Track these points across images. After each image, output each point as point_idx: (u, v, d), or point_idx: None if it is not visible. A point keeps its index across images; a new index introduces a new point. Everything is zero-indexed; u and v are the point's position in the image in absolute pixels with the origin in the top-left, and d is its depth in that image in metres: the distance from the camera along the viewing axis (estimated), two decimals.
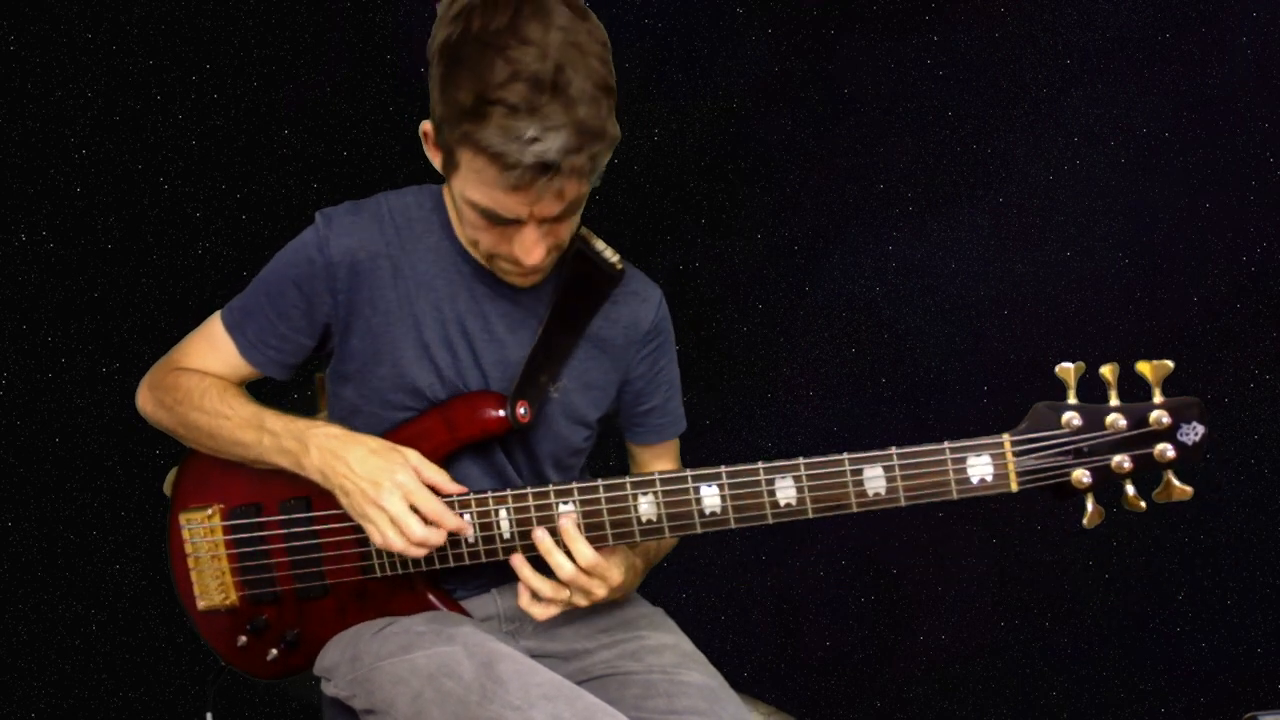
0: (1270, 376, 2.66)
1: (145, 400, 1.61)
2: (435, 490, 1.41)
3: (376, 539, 1.40)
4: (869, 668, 2.85)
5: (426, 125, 1.41)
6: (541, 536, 1.41)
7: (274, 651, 1.56)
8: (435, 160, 1.42)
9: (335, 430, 1.44)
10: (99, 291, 2.62)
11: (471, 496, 1.43)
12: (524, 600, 1.43)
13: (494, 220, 1.35)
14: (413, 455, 1.42)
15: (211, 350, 1.57)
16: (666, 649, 1.53)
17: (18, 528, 2.62)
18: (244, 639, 1.58)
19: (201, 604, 1.60)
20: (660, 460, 1.75)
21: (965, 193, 2.75)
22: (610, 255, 1.57)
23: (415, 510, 1.38)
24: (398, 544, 1.38)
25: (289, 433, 1.45)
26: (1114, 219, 2.69)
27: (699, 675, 1.49)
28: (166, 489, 1.67)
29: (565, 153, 1.25)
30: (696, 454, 1.80)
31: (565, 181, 1.29)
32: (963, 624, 2.82)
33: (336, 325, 1.52)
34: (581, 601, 1.43)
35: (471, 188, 1.33)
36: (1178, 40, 2.63)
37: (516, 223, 1.35)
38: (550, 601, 1.42)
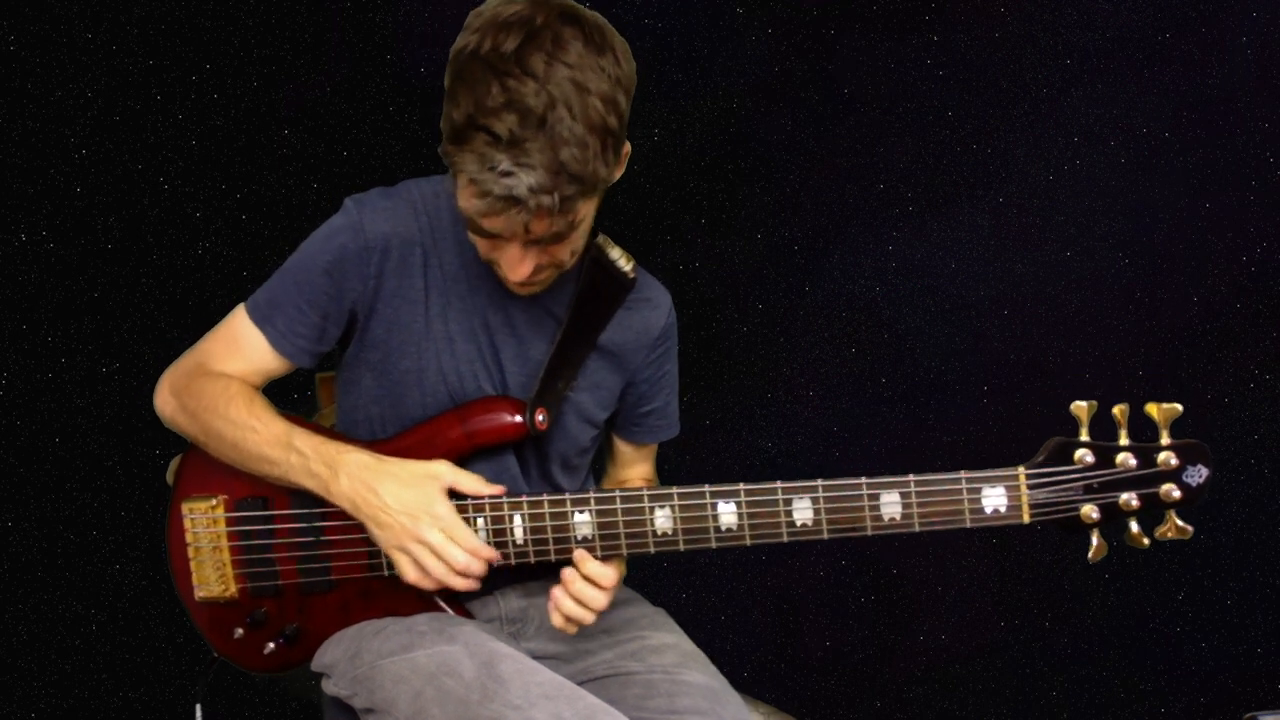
0: (1270, 376, 2.67)
1: (165, 404, 1.57)
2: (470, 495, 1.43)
3: (410, 574, 1.41)
4: (869, 668, 2.86)
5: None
6: (573, 579, 1.42)
7: (271, 645, 1.56)
8: None
9: (366, 459, 1.43)
10: (99, 291, 2.62)
11: (487, 500, 1.43)
12: (558, 620, 1.44)
13: (478, 232, 1.35)
14: (444, 470, 1.42)
15: (237, 347, 1.54)
16: (667, 649, 1.53)
17: (18, 528, 2.62)
18: (240, 631, 1.57)
19: (200, 594, 1.59)
20: (644, 461, 1.77)
21: (965, 193, 2.75)
22: (624, 263, 1.57)
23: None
24: (437, 573, 1.39)
25: (319, 456, 1.43)
26: (1114, 219, 2.69)
27: (700, 675, 1.49)
28: (169, 477, 1.66)
29: (534, 191, 1.25)
30: (696, 454, 1.80)
31: (532, 217, 1.28)
32: (963, 624, 2.82)
33: (361, 311, 1.51)
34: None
35: (461, 198, 1.34)
36: (1178, 40, 2.64)
37: (500, 237, 1.35)
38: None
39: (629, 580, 1.75)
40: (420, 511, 1.39)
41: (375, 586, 1.52)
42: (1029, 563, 2.77)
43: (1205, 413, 2.65)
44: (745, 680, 2.46)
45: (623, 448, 1.75)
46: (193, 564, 1.59)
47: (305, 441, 1.45)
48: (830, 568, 2.84)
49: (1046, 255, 2.72)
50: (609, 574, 1.42)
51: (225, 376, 1.52)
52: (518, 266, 1.36)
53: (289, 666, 1.59)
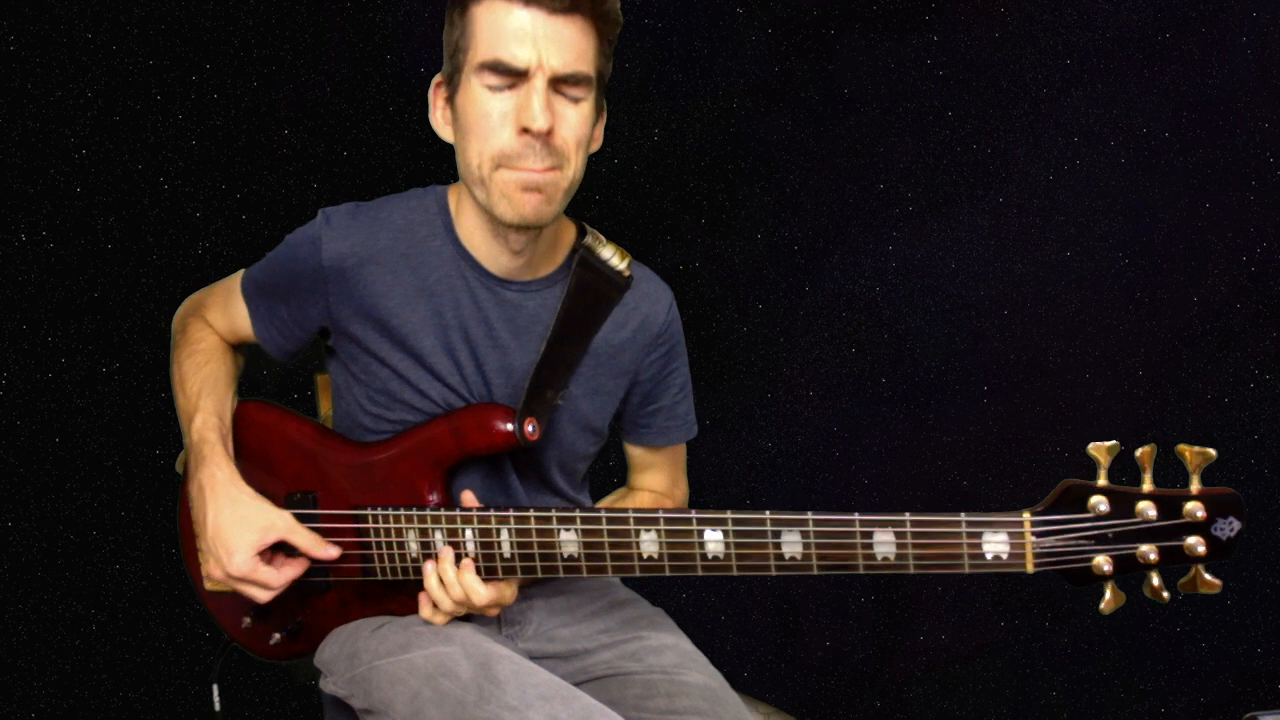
0: (1270, 376, 2.67)
1: (175, 321, 1.70)
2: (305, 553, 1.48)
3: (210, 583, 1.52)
4: (869, 668, 2.86)
5: (439, 76, 1.44)
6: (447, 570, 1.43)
7: (276, 636, 1.57)
8: (438, 107, 1.45)
9: (223, 476, 1.47)
10: (99, 291, 2.62)
11: (475, 513, 1.43)
12: (425, 611, 1.46)
13: (503, 74, 1.35)
14: (281, 524, 1.45)
15: (227, 307, 1.65)
16: (667, 649, 1.53)
17: (18, 528, 2.62)
18: (248, 621, 1.60)
19: (208, 585, 1.62)
20: (661, 469, 1.74)
21: (965, 193, 2.75)
22: (618, 262, 1.56)
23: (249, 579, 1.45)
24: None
25: (195, 449, 1.51)
26: (1114, 219, 2.69)
27: (700, 676, 1.49)
28: (179, 467, 1.68)
29: None
30: (696, 454, 1.79)
31: (572, 13, 1.33)
32: (963, 624, 2.82)
33: (333, 327, 1.53)
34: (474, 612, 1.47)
35: (483, 46, 1.35)
36: (1178, 40, 2.64)
37: (524, 78, 1.34)
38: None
39: (629, 580, 1.75)
40: (222, 552, 1.43)
41: (372, 586, 1.52)
42: None
43: (1205, 413, 2.65)
44: (745, 680, 2.46)
45: (633, 451, 1.73)
46: (201, 556, 1.62)
47: (198, 429, 1.52)
48: None
49: (1046, 255, 2.72)
50: (456, 588, 1.42)
51: (206, 328, 1.65)
52: (540, 112, 1.34)
53: (295, 656, 1.61)
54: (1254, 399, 2.67)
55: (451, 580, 1.41)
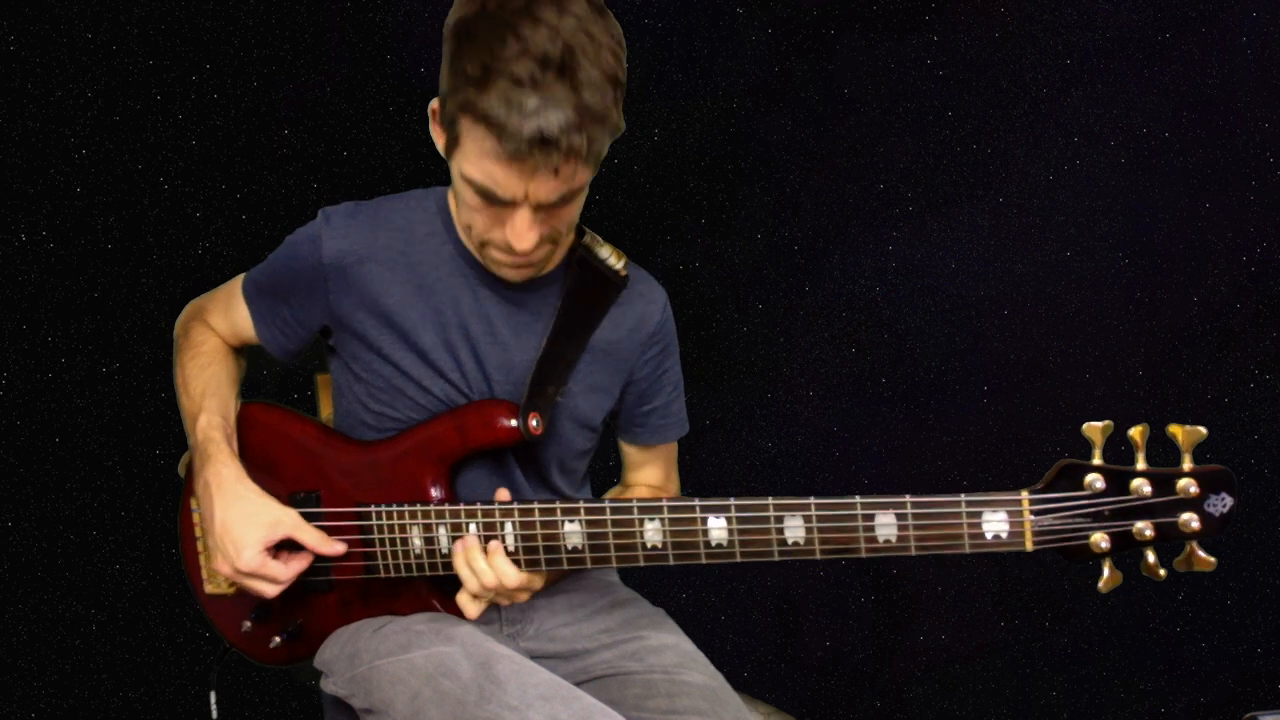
0: (1270, 376, 2.67)
1: (177, 327, 1.69)
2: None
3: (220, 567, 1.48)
4: (869, 668, 2.86)
5: (435, 103, 1.40)
6: (477, 558, 1.40)
7: (277, 639, 1.57)
8: (439, 141, 1.41)
9: (230, 473, 1.46)
10: (99, 291, 2.62)
11: (479, 508, 1.43)
12: (463, 600, 1.44)
13: (489, 199, 1.33)
14: (288, 521, 1.45)
15: (228, 310, 1.64)
16: (667, 649, 1.53)
17: (18, 528, 2.62)
18: (248, 624, 1.59)
19: (208, 588, 1.62)
20: (652, 465, 1.74)
21: (965, 193, 2.75)
22: (615, 262, 1.57)
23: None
24: (231, 575, 1.46)
25: (201, 448, 1.50)
26: (1114, 219, 2.69)
27: (700, 676, 1.49)
28: (180, 470, 1.68)
29: (565, 130, 1.24)
30: (696, 454, 1.80)
31: (562, 161, 1.27)
32: (963, 624, 2.82)
33: (335, 325, 1.53)
34: (504, 601, 1.45)
35: (470, 163, 1.32)
36: (1178, 40, 2.64)
37: (511, 205, 1.33)
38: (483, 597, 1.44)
39: (629, 580, 1.75)
40: (230, 548, 1.43)
41: (374, 587, 1.52)
42: (1029, 562, 2.77)
43: (1205, 413, 2.65)
44: (745, 680, 2.46)
45: (628, 450, 1.74)
46: (201, 558, 1.63)
47: (203, 428, 1.51)
48: (830, 568, 2.84)
49: (1046, 255, 2.72)
50: (489, 574, 1.39)
51: (208, 332, 1.65)
52: (526, 234, 1.34)
53: (296, 660, 1.60)
54: (1254, 399, 2.67)
55: (483, 567, 1.40)
